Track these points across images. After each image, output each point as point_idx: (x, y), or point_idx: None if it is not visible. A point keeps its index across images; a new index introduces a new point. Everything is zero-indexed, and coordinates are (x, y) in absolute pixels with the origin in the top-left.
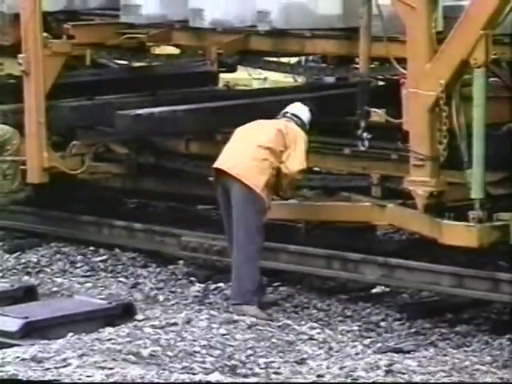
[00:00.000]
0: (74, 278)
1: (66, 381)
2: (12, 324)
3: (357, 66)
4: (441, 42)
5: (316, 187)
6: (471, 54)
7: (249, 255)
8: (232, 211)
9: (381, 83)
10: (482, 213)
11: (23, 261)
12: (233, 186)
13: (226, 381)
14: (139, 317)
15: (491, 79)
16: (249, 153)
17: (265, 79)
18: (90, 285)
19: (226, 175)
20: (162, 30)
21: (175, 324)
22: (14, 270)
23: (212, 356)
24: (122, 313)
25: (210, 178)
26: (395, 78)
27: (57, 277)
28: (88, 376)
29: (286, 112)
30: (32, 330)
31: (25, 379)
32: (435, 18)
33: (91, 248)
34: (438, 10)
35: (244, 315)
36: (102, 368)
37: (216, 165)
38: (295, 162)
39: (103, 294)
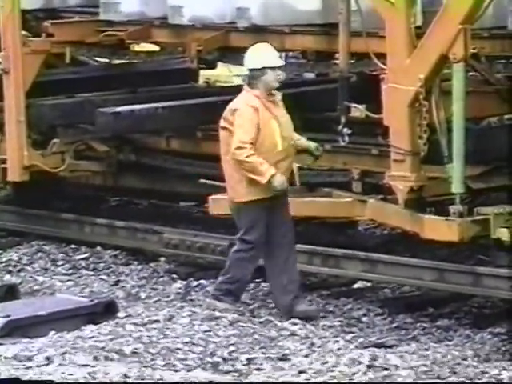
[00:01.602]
0: (55, 276)
1: (50, 378)
2: None
3: (336, 61)
4: (420, 37)
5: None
6: (450, 48)
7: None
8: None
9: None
10: (463, 207)
11: (4, 259)
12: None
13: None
14: (121, 314)
15: (470, 74)
16: (227, 171)
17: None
18: (71, 283)
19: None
20: (142, 27)
21: (157, 321)
22: None
23: (194, 353)
24: (104, 310)
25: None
26: (375, 73)
27: (38, 275)
28: (70, 374)
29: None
30: (14, 329)
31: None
32: (414, 13)
33: (73, 246)
34: (417, 5)
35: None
36: (85, 366)
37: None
38: (233, 143)
39: (85, 292)
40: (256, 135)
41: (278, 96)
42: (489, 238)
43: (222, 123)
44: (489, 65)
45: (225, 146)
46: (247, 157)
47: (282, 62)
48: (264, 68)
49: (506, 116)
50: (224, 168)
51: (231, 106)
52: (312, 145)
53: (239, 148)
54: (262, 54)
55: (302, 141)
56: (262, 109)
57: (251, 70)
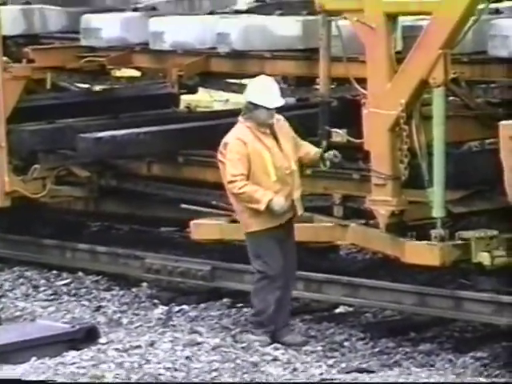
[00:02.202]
0: (36, 302)
1: None
2: None
3: (317, 86)
4: (400, 62)
5: None
6: (430, 73)
7: None
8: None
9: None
10: (444, 231)
11: None
12: None
13: None
14: (103, 340)
15: (450, 98)
16: (232, 203)
17: (226, 101)
18: (52, 309)
19: None
20: (123, 53)
21: (139, 347)
22: None
23: (177, 378)
24: (86, 336)
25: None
26: (356, 98)
27: (19, 301)
28: None
29: None
30: None
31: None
32: (394, 38)
33: (54, 272)
34: (397, 30)
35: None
36: None
37: None
38: (226, 177)
39: (66, 318)
40: (247, 167)
41: (282, 122)
42: (470, 262)
43: (219, 157)
44: (469, 89)
45: (224, 179)
46: (240, 188)
47: (279, 104)
48: (258, 105)
49: (486, 140)
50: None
51: (224, 139)
52: (320, 152)
53: (231, 182)
54: (262, 91)
55: (311, 151)
56: (251, 140)
57: (248, 102)
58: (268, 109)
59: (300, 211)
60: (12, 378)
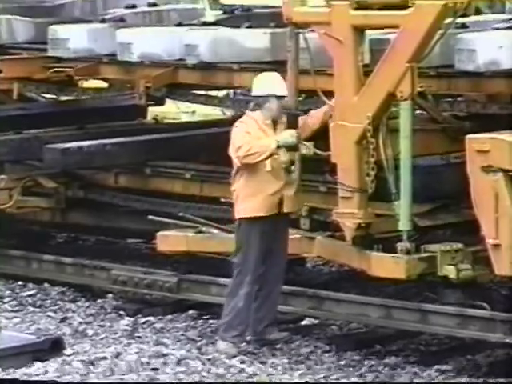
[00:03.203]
0: (1, 313)
1: None
2: None
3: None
4: (367, 75)
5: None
6: (397, 86)
7: None
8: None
9: None
10: (410, 244)
11: None
12: None
13: None
14: (68, 351)
15: (417, 112)
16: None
17: (193, 112)
18: (18, 320)
19: None
20: (90, 64)
21: (104, 358)
22: None
23: None
24: (51, 348)
25: None
26: None
27: None
28: None
29: None
30: None
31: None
32: (362, 51)
33: (20, 283)
34: (365, 43)
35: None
36: None
37: None
38: (233, 152)
39: (32, 329)
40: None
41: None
42: (436, 275)
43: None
44: (435, 103)
45: (233, 154)
46: (248, 150)
47: (285, 92)
48: (268, 95)
49: (452, 154)
50: None
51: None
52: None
53: (238, 149)
54: (267, 82)
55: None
56: (255, 130)
57: (255, 97)
58: (278, 97)
59: (289, 209)
60: (10, 378)
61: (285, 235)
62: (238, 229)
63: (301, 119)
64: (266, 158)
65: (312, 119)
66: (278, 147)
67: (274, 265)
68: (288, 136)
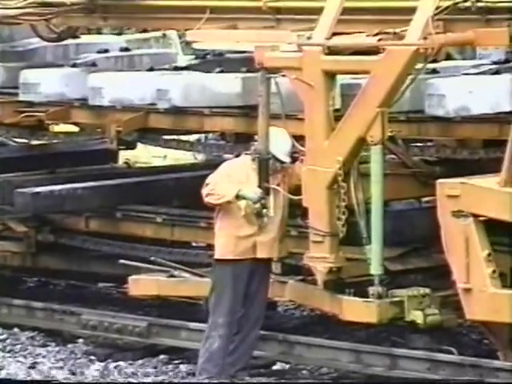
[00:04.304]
0: None
1: None
2: None
3: (255, 143)
4: (338, 120)
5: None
6: (368, 131)
7: None
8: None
9: None
10: (382, 289)
11: None
12: None
13: None
14: None
15: (388, 156)
16: None
17: (165, 157)
18: None
19: None
20: (61, 108)
21: None
22: None
23: None
24: None
25: None
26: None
27: None
28: None
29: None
30: None
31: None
32: (333, 96)
33: None
34: (336, 88)
35: None
36: None
37: None
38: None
39: (1, 374)
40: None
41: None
42: (404, 320)
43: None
44: (406, 148)
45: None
46: (211, 190)
47: (287, 160)
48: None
49: (423, 199)
50: None
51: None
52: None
53: (206, 185)
54: (274, 140)
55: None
56: (239, 172)
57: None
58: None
59: (264, 254)
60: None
61: (263, 280)
62: (214, 269)
63: (290, 167)
64: (226, 203)
65: (300, 168)
66: (238, 197)
67: (250, 309)
68: (251, 192)
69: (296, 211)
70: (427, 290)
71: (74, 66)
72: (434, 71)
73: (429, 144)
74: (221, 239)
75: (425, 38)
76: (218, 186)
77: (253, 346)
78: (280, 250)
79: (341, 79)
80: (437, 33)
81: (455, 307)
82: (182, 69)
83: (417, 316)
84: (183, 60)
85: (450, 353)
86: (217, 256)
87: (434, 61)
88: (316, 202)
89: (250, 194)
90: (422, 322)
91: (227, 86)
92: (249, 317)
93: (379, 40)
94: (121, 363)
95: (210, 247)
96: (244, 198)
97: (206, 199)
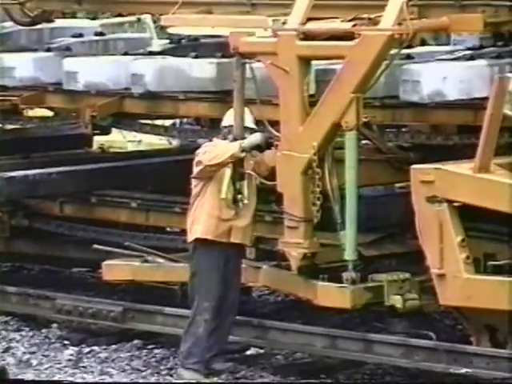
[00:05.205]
0: None
1: None
2: None
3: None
4: (313, 105)
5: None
6: (343, 116)
7: None
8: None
9: None
10: (356, 274)
11: None
12: None
13: None
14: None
15: (363, 142)
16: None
17: (139, 142)
18: None
19: None
20: (36, 93)
21: None
22: None
23: None
24: None
25: None
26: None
27: None
28: None
29: None
30: None
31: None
32: (307, 82)
33: None
34: (311, 74)
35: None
36: None
37: None
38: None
39: None
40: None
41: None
42: (382, 304)
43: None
44: (380, 133)
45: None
46: (211, 153)
47: (252, 126)
48: (231, 126)
49: (397, 184)
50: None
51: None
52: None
53: (203, 155)
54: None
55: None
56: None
57: (223, 127)
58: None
59: (237, 239)
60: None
61: (237, 266)
62: (193, 253)
63: (257, 156)
64: (229, 160)
65: (268, 157)
66: (243, 150)
67: (227, 294)
68: (252, 137)
69: (270, 197)
70: (407, 275)
71: (49, 50)
72: (409, 57)
73: (403, 130)
74: (203, 219)
75: (399, 24)
76: (218, 148)
77: (229, 332)
78: (251, 237)
79: (316, 65)
80: (411, 19)
81: (432, 292)
82: (157, 54)
83: (396, 300)
84: (158, 45)
85: (429, 337)
86: (198, 235)
87: (409, 46)
88: (291, 188)
89: (253, 138)
90: (401, 307)
91: (202, 71)
92: (225, 303)
93: (354, 25)
94: (95, 348)
95: (185, 232)
96: (250, 150)
97: (211, 163)
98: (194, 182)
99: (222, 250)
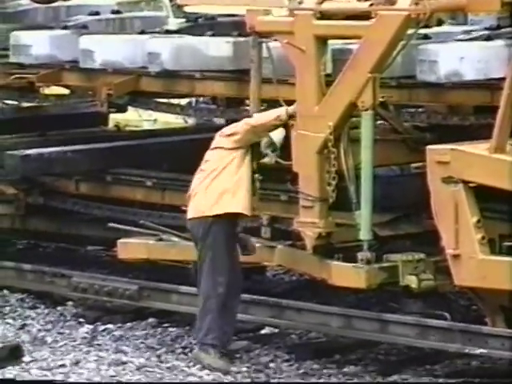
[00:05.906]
0: None
1: None
2: None
3: (247, 107)
4: (329, 85)
5: None
6: (359, 96)
7: None
8: None
9: None
10: (371, 254)
11: None
12: None
13: None
14: (26, 359)
15: (379, 122)
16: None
17: (155, 120)
18: None
19: None
20: (52, 71)
21: (63, 366)
22: None
23: None
24: (9, 355)
25: None
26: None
27: None
28: None
29: None
30: None
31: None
32: (324, 61)
33: None
34: (327, 53)
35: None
36: None
37: None
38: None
39: None
40: None
41: None
42: (397, 284)
43: (216, 145)
44: (396, 114)
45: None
46: (257, 117)
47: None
48: None
49: (413, 164)
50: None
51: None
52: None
53: (248, 120)
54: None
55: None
56: None
57: None
58: None
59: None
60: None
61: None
62: (210, 227)
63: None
64: (273, 122)
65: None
66: (290, 116)
67: (233, 275)
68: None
69: (286, 176)
70: (422, 255)
71: (65, 28)
72: (426, 37)
73: (420, 110)
74: (240, 193)
75: (416, 4)
76: (263, 113)
77: (236, 314)
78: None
79: (332, 44)
80: None
81: (447, 273)
82: (174, 32)
83: (411, 281)
84: (174, 23)
85: (443, 318)
86: (234, 209)
87: (426, 26)
88: (306, 167)
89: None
90: (416, 287)
91: (218, 49)
92: (233, 284)
93: (371, 5)
94: (110, 326)
95: None
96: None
97: (255, 123)
98: (214, 154)
99: (236, 224)
